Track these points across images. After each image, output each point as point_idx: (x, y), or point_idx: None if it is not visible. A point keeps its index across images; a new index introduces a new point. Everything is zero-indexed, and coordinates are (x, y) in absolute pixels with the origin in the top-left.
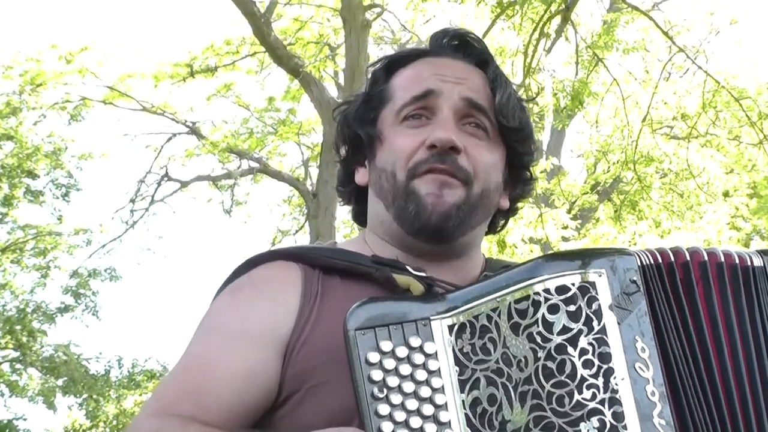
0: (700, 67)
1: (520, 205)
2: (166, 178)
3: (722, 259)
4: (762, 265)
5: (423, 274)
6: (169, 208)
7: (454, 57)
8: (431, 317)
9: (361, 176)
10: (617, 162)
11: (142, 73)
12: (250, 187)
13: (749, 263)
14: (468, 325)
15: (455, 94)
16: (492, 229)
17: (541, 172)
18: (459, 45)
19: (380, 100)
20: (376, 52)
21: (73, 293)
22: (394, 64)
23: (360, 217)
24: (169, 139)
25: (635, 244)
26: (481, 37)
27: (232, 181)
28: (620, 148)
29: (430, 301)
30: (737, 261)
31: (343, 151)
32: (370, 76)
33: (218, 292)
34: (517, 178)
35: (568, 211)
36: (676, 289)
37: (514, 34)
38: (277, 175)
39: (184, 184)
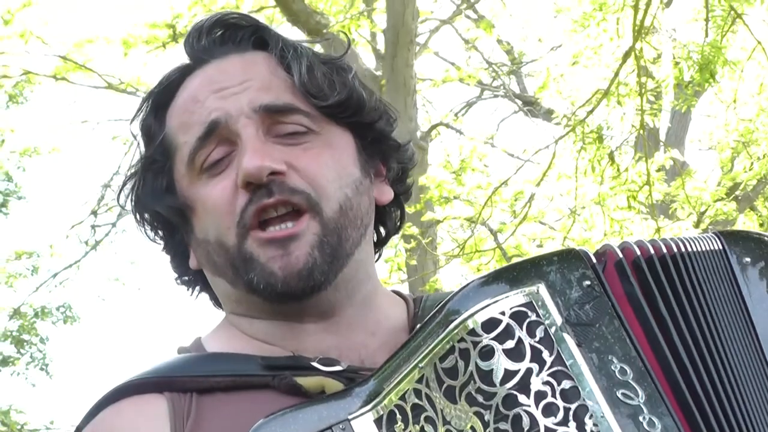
0: None
1: (410, 181)
2: None
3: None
4: (706, 249)
5: (338, 368)
6: None
7: (223, 55)
8: (350, 417)
9: (192, 259)
10: (763, 156)
11: (107, 37)
12: None
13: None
14: (397, 411)
15: (246, 107)
16: (387, 232)
17: (658, 170)
18: (222, 36)
19: (165, 156)
20: (428, 5)
21: (14, 340)
22: (159, 100)
23: (216, 301)
24: None
25: None
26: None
27: None
28: (767, 137)
29: (344, 396)
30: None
31: (159, 240)
32: (138, 130)
33: None
34: (383, 154)
35: (696, 224)
36: (660, 285)
37: None
38: None
39: None
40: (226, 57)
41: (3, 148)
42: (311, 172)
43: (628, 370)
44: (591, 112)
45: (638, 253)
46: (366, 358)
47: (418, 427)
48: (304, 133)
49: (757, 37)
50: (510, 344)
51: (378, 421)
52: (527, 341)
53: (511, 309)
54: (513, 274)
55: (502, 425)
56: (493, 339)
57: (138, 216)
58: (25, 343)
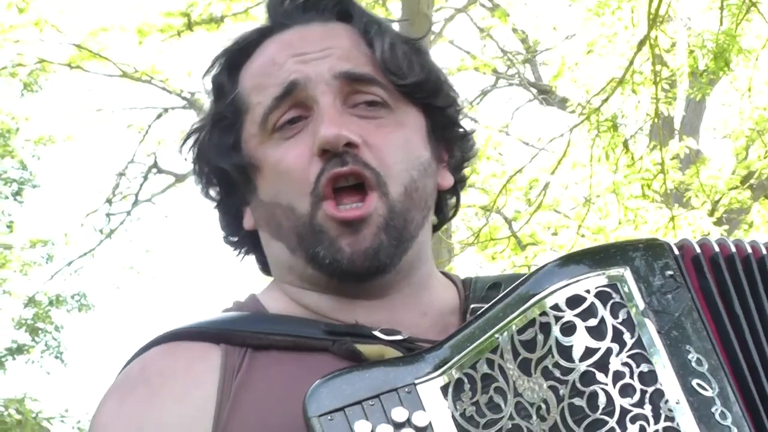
0: None
1: (467, 171)
2: (155, 170)
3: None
4: None
5: (398, 337)
6: (159, 211)
7: (305, 22)
8: (416, 381)
9: (248, 219)
10: None
11: (121, 25)
12: None
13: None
14: (466, 379)
15: (326, 73)
16: (442, 218)
17: (673, 158)
18: (306, 2)
19: (235, 115)
20: None
21: (28, 328)
22: (234, 59)
23: (264, 266)
24: (160, 115)
25: None
26: None
27: None
28: None
29: (412, 361)
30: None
31: (214, 194)
32: (210, 86)
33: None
34: (449, 140)
35: (710, 213)
36: (738, 284)
37: None
38: None
39: (179, 178)
40: (308, 24)
41: (18, 136)
42: (382, 150)
43: (704, 362)
44: (606, 100)
45: (716, 250)
46: (417, 336)
47: (486, 397)
48: (381, 105)
49: None
50: (593, 322)
51: (444, 388)
52: (610, 321)
53: (596, 288)
54: (599, 256)
55: (577, 401)
56: (576, 315)
57: (198, 169)
58: (39, 332)
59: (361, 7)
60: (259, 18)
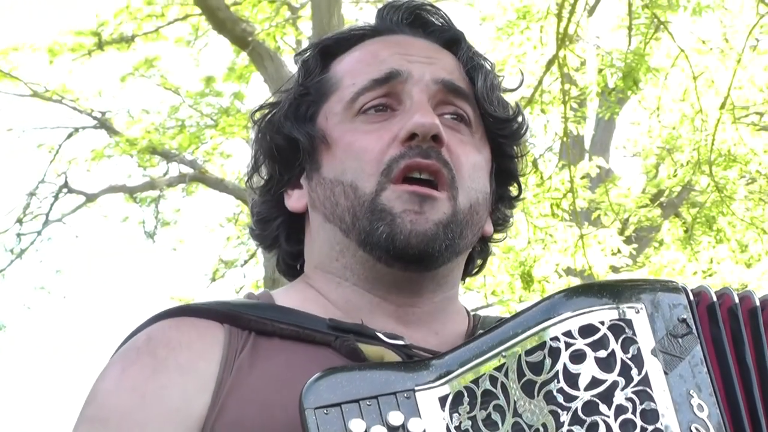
0: None
1: (498, 236)
2: (65, 190)
3: None
4: None
5: (400, 342)
6: (69, 231)
7: (412, 35)
8: (416, 388)
9: (295, 200)
10: (687, 163)
11: (32, 45)
12: (182, 202)
13: None
14: (466, 393)
15: (427, 76)
16: (467, 268)
17: (583, 177)
18: (416, 21)
19: (320, 92)
20: (354, 13)
21: None
22: (330, 48)
23: (289, 259)
24: (70, 135)
25: (712, 274)
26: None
27: (157, 193)
28: (691, 144)
29: (414, 368)
30: None
31: (265, 170)
32: (299, 66)
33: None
34: (502, 193)
35: (620, 231)
36: (758, 337)
37: None
38: (219, 185)
39: (90, 198)
40: (415, 37)
41: None
42: (461, 160)
43: (705, 408)
44: None
45: (736, 301)
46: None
47: (484, 413)
48: (465, 124)
49: (680, 44)
50: (602, 354)
51: (443, 399)
52: (619, 355)
53: (610, 321)
54: (616, 290)
55: (577, 429)
56: (587, 345)
57: (260, 139)
58: None
59: (468, 40)
60: (170, 38)
